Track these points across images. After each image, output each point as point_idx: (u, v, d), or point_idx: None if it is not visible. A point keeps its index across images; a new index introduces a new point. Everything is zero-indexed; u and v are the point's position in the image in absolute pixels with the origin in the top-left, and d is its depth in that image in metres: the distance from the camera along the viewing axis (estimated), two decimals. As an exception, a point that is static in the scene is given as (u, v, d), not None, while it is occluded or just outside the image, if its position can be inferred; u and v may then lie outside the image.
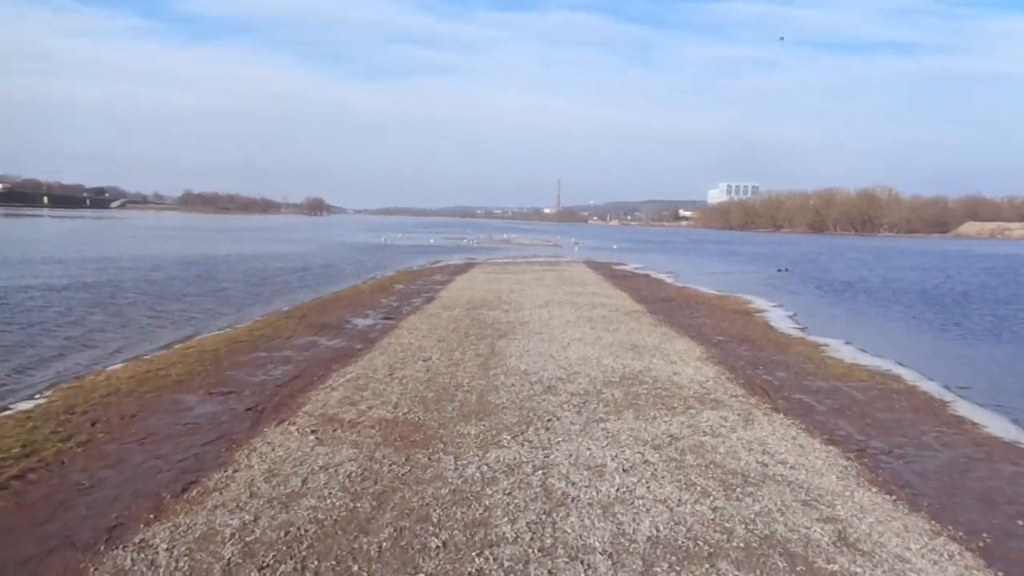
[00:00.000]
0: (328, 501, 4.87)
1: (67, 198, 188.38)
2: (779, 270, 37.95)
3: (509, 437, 6.30)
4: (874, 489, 5.36)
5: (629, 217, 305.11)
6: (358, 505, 4.81)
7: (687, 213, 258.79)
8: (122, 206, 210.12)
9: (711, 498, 5.04)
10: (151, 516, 4.65)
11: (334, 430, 6.41)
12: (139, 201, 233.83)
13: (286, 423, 6.62)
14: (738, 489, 5.23)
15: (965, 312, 19.97)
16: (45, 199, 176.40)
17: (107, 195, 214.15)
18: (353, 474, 5.36)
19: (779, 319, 16.16)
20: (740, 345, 11.91)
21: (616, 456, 5.87)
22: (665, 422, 6.94)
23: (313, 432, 6.33)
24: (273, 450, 5.86)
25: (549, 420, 6.87)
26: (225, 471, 5.42)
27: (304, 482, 5.20)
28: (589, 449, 6.03)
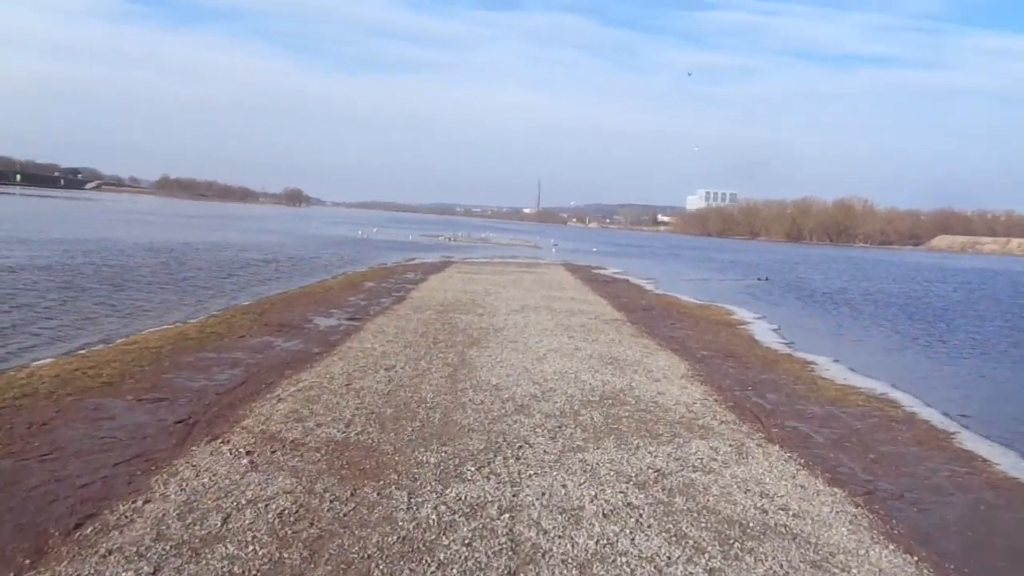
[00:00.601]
0: (250, 548, 4.04)
1: (41, 177, 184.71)
2: (759, 279, 37.54)
3: (473, 468, 5.50)
4: (891, 546, 4.65)
5: (608, 220, 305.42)
6: (285, 556, 3.99)
7: (665, 218, 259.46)
8: (97, 188, 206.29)
9: (706, 556, 4.29)
10: (27, 562, 3.80)
11: (273, 452, 5.57)
12: (115, 184, 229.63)
13: (219, 441, 5.76)
14: (736, 544, 4.48)
15: (949, 328, 19.54)
16: (18, 177, 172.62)
17: (80, 176, 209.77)
18: (286, 512, 4.53)
19: (763, 332, 15.53)
20: (726, 361, 11.22)
21: (595, 496, 5.10)
22: (650, 453, 6.18)
23: (248, 454, 5.49)
24: (197, 475, 5.01)
25: (520, 447, 6.08)
26: (133, 502, 4.56)
27: (225, 521, 4.36)
28: (564, 486, 5.26)
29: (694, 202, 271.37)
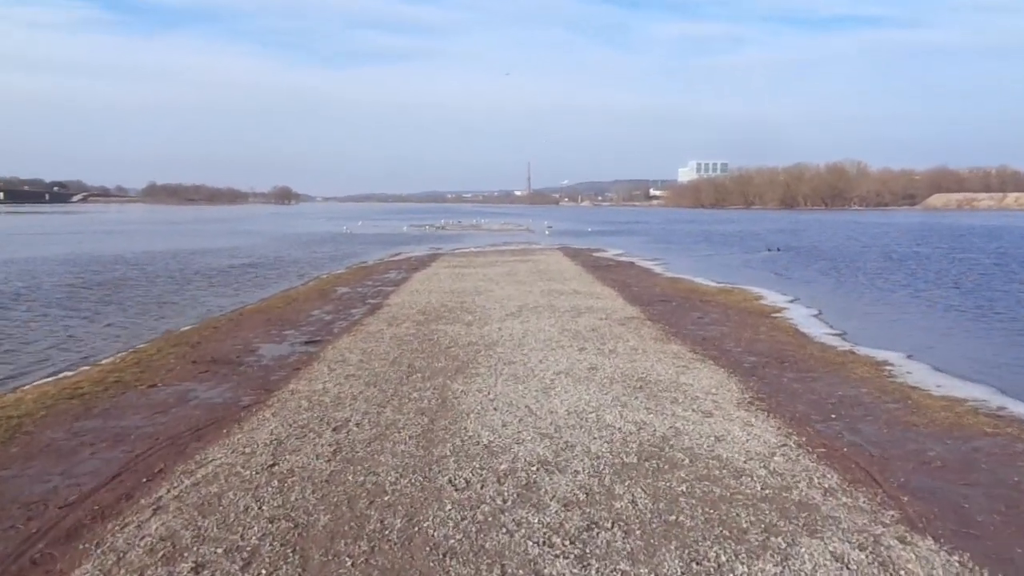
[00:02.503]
0: None
1: (26, 193, 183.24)
2: (769, 250, 35.23)
3: (449, 668, 3.08)
4: None
5: (600, 198, 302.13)
6: None
7: (658, 192, 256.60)
8: (83, 200, 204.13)
9: None
10: None
11: (91, 659, 3.13)
12: (101, 194, 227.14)
13: (8, 632, 3.33)
14: None
15: (1005, 299, 17.12)
16: (1, 194, 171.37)
17: (59, 189, 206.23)
18: None
19: (805, 320, 13.12)
20: (782, 370, 8.81)
21: None
22: (744, 583, 3.76)
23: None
24: None
25: (530, 593, 3.66)
26: None
27: None
28: None
29: (686, 174, 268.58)
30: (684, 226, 68.77)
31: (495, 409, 6.83)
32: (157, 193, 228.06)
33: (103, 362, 9.44)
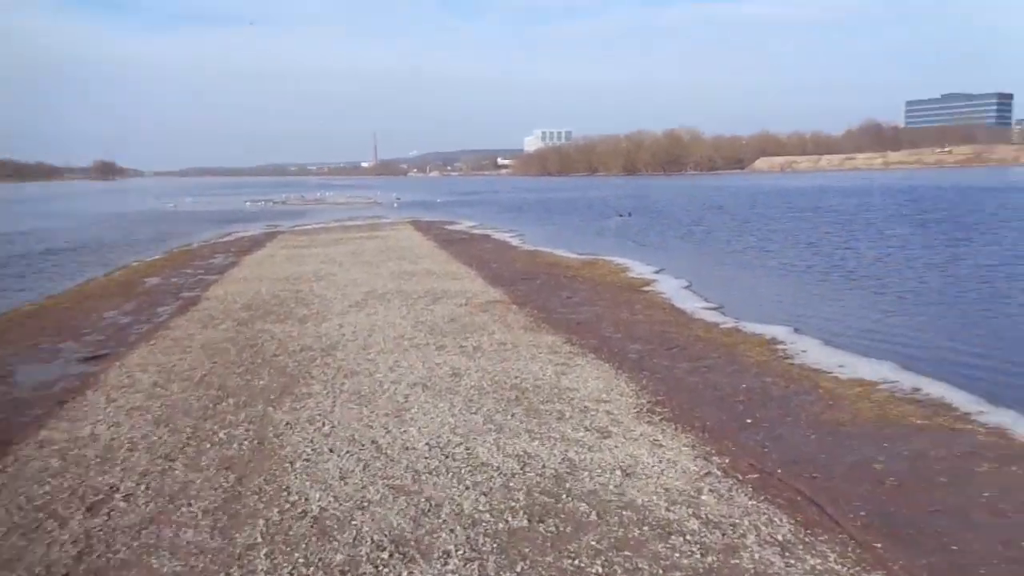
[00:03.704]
0: None
1: None
2: (620, 215, 35.16)
3: None
4: None
5: (449, 168, 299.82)
6: None
7: (506, 161, 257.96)
8: None
9: None
10: None
11: None
12: None
13: None
14: None
15: (855, 259, 17.21)
16: None
17: None
18: None
19: (677, 293, 12.21)
20: (672, 359, 7.65)
21: None
22: None
23: None
24: None
25: None
26: None
27: None
28: None
29: (531, 143, 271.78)
30: (533, 195, 68.47)
31: (331, 450, 5.09)
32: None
33: None
